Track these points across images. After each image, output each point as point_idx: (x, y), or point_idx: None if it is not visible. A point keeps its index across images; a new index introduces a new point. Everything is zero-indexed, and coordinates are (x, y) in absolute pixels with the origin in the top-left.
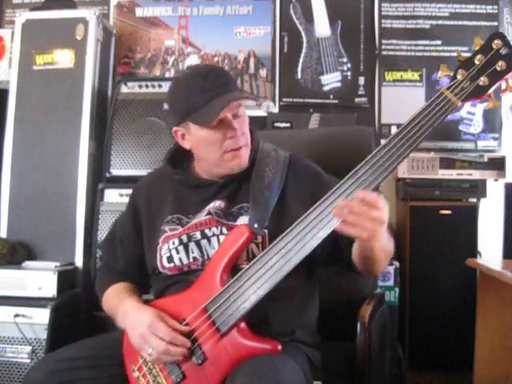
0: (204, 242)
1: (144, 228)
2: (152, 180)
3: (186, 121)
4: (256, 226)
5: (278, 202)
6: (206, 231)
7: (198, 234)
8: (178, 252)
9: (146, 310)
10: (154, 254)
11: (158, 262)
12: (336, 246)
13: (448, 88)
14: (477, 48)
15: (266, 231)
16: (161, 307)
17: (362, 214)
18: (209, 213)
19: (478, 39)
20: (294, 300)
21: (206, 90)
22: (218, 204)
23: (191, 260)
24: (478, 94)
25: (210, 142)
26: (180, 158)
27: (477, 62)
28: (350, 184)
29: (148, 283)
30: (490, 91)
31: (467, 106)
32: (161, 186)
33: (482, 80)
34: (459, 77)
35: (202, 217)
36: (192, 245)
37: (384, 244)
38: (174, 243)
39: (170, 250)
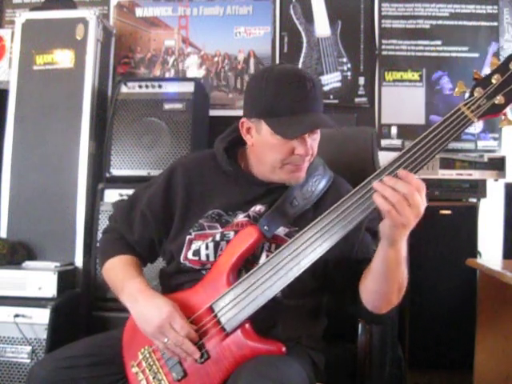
0: None
1: (177, 214)
2: (193, 164)
3: (261, 119)
4: (266, 228)
5: (312, 215)
6: None
7: (231, 234)
8: (207, 248)
9: (161, 300)
10: (180, 243)
11: (183, 252)
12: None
13: (465, 104)
14: (494, 67)
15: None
16: None
17: (406, 193)
18: (247, 215)
19: (495, 59)
20: (305, 315)
21: (298, 99)
22: (258, 208)
23: (217, 259)
24: (493, 111)
25: (277, 150)
26: (232, 148)
27: (494, 81)
28: (360, 195)
29: (150, 262)
30: (506, 110)
31: None
32: (204, 173)
33: (498, 99)
34: (476, 94)
35: (240, 218)
36: (223, 243)
37: (402, 258)
38: (207, 240)
39: (199, 245)
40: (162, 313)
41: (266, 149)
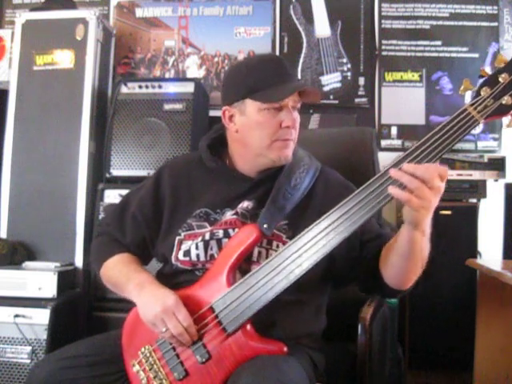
0: (225, 240)
1: (165, 215)
2: (180, 165)
3: (245, 98)
4: (265, 226)
5: (303, 207)
6: (230, 231)
7: (220, 233)
8: (197, 248)
9: (169, 290)
10: (170, 244)
11: (173, 253)
12: (361, 257)
13: (472, 105)
14: (501, 65)
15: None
16: None
17: (425, 179)
18: (236, 213)
19: (501, 56)
20: (305, 312)
21: (280, 73)
22: (246, 205)
23: (208, 258)
24: (500, 112)
25: (265, 126)
26: (216, 146)
27: (501, 80)
28: (365, 195)
29: (145, 263)
30: None
31: None
32: (190, 173)
33: (506, 99)
34: (483, 93)
35: (228, 216)
36: (213, 242)
37: (427, 236)
38: (197, 239)
39: (189, 245)
40: (168, 300)
41: (252, 129)
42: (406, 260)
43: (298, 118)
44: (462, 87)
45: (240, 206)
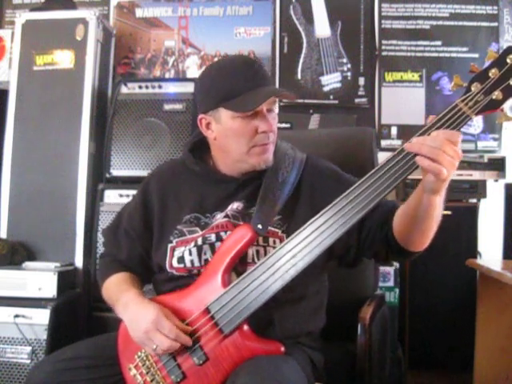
0: (218, 244)
1: (155, 224)
2: (166, 172)
3: (219, 107)
4: (260, 226)
5: (291, 201)
6: (222, 234)
7: (213, 237)
8: (190, 254)
9: (149, 305)
10: (163, 252)
11: (167, 261)
12: (365, 230)
13: (462, 100)
14: (491, 60)
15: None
16: (161, 305)
17: (441, 146)
18: (226, 215)
19: (492, 51)
20: (303, 310)
21: (250, 77)
22: (235, 206)
23: (203, 263)
24: (491, 107)
25: (240, 133)
26: (199, 150)
27: (491, 75)
28: (360, 191)
29: (149, 278)
30: (503, 105)
31: None
32: (176, 179)
33: (496, 94)
34: (473, 89)
35: (219, 219)
36: (206, 247)
37: (443, 200)
38: (189, 245)
39: (183, 252)
40: (148, 318)
41: (229, 137)
42: (425, 222)
43: (276, 119)
44: (452, 83)
45: (230, 207)
